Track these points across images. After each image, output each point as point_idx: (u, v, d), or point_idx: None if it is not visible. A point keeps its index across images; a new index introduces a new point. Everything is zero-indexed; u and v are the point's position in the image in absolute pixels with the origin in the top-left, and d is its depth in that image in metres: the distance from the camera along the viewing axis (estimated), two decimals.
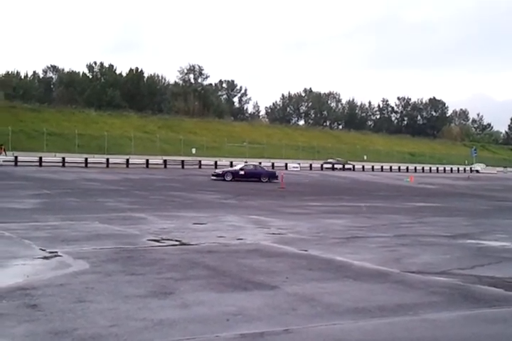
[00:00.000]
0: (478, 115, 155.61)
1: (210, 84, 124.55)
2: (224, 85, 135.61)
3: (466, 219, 19.45)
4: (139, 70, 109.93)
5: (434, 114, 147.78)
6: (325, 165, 71.90)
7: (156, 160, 59.61)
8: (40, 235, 11.93)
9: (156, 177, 40.93)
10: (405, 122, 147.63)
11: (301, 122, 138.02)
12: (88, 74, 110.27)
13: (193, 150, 70.03)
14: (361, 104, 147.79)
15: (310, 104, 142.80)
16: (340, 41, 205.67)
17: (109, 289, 7.25)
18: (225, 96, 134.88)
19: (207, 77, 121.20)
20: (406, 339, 5.63)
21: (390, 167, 78.87)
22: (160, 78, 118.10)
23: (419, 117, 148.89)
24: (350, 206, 23.61)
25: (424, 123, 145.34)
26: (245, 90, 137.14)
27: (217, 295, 7.15)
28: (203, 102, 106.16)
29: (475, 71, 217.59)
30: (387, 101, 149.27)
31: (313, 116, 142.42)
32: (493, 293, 7.72)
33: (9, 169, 43.42)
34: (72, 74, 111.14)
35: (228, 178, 41.07)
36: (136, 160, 57.99)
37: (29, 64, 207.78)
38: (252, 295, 7.23)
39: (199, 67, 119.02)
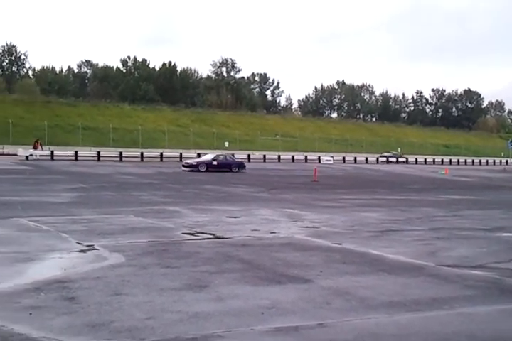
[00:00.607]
0: None
1: (243, 78, 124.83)
2: (256, 78, 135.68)
3: (502, 211, 19.13)
4: (172, 64, 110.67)
5: (469, 105, 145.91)
6: (380, 159, 72.34)
7: (190, 153, 59.91)
8: (76, 228, 12.09)
9: (188, 170, 41.08)
10: (440, 114, 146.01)
11: (334, 115, 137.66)
12: (122, 69, 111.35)
13: (226, 144, 70.22)
14: (395, 96, 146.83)
15: (343, 96, 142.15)
16: (373, 32, 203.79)
17: (144, 282, 7.32)
18: (257, 89, 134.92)
19: (239, 71, 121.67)
20: (441, 334, 5.58)
21: (425, 159, 78.24)
22: (193, 72, 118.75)
23: (453, 109, 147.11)
24: (384, 199, 23.42)
25: (459, 115, 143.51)
26: (278, 83, 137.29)
27: (251, 288, 7.17)
28: (235, 95, 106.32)
29: (511, 61, 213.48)
30: (421, 92, 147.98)
31: (346, 108, 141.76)
32: None
33: (46, 163, 44.07)
34: (106, 68, 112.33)
35: (202, 169, 40.85)
36: (170, 153, 58.37)
37: (64, 59, 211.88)
38: (286, 288, 7.23)
39: (231, 60, 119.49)
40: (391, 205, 20.25)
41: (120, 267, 8.25)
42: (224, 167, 42.25)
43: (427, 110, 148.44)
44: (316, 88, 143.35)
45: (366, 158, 71.50)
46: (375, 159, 73.06)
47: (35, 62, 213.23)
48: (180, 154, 57.50)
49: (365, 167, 60.69)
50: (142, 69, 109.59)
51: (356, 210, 18.01)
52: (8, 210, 15.16)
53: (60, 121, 68.36)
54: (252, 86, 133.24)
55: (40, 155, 50.27)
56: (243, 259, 9.10)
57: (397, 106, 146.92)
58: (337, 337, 5.43)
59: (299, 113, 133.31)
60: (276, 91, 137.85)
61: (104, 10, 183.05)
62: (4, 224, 12.55)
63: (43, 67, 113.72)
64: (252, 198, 22.18)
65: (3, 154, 53.93)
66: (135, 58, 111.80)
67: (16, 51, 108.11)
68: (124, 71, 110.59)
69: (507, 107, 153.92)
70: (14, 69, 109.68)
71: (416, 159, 77.05)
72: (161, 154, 57.25)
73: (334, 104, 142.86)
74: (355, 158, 71.26)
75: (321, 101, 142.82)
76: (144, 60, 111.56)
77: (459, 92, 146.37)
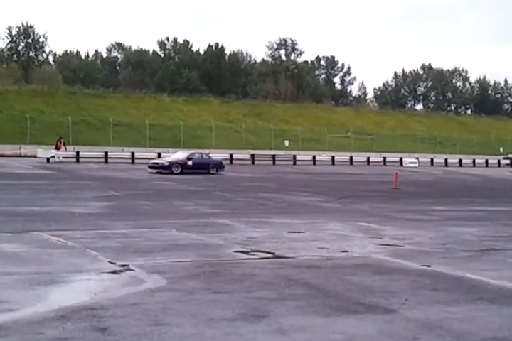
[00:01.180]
0: None
1: (306, 62, 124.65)
2: (322, 63, 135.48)
3: None
4: (220, 47, 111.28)
5: None
6: (503, 161, 71.64)
7: (242, 154, 60.18)
8: (107, 245, 12.28)
9: (241, 176, 41.27)
10: None
11: (419, 107, 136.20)
12: (160, 53, 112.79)
13: (286, 143, 70.08)
14: (495, 82, 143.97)
15: (430, 83, 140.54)
16: (466, 8, 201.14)
17: (190, 310, 7.37)
18: (323, 76, 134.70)
19: (301, 53, 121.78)
20: None
21: None
22: (245, 56, 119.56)
23: None
24: (484, 211, 23.06)
25: None
26: (348, 68, 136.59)
27: (320, 319, 7.15)
28: (296, 84, 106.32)
29: None
30: None
31: (433, 98, 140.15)
32: None
33: (70, 167, 44.86)
34: (141, 53, 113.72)
35: (177, 171, 40.64)
36: (218, 154, 58.63)
37: (91, 42, 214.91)
38: (363, 320, 7.19)
39: (292, 41, 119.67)
40: (492, 218, 19.96)
41: (160, 292, 8.33)
42: (201, 168, 42.02)
43: None
44: (396, 74, 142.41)
45: (460, 160, 70.44)
46: (496, 161, 72.59)
47: (56, 45, 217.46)
48: (231, 155, 57.68)
49: (459, 171, 59.90)
50: (184, 53, 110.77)
51: (448, 224, 17.81)
52: (27, 222, 15.49)
53: (87, 116, 69.48)
54: (317, 72, 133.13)
55: (64, 157, 51.08)
56: (309, 284, 9.09)
57: (498, 96, 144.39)
58: None
59: (375, 105, 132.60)
60: (347, 79, 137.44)
61: None
62: (22, 239, 12.83)
63: (66, 52, 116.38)
64: (319, 209, 22.15)
65: (20, 156, 55.01)
66: (175, 40, 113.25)
67: (33, 33, 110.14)
68: (163, 55, 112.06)
69: None
70: (32, 54, 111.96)
71: None
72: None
73: (419, 93, 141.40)
74: (445, 159, 70.31)
75: (403, 90, 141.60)
76: (186, 42, 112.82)
77: None
